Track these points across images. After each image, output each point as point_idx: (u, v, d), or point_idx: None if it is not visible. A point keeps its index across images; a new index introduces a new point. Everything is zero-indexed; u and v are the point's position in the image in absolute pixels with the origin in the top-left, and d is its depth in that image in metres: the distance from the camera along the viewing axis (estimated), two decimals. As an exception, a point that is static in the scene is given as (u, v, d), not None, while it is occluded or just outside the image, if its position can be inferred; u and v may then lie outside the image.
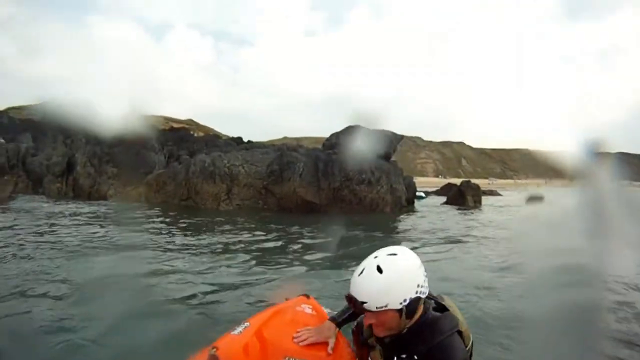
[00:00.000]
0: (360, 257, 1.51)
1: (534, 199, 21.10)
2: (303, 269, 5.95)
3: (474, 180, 23.36)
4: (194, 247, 7.36)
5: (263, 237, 9.00)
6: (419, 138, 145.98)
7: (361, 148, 15.20)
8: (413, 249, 1.56)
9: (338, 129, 18.04)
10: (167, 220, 11.62)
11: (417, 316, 1.47)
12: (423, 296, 1.44)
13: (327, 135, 18.99)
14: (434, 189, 34.70)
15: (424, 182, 50.07)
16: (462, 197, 19.15)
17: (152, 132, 21.11)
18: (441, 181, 64.83)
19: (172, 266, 5.78)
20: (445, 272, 5.82)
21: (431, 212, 16.73)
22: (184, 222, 11.27)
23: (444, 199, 22.77)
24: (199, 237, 8.71)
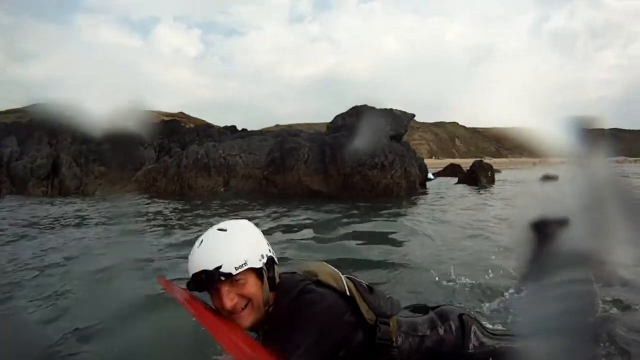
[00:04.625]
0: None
1: (549, 177, 20.47)
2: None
3: (468, 160, 22.60)
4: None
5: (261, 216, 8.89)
6: (413, 120, 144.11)
7: (372, 129, 14.23)
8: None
9: (331, 114, 16.95)
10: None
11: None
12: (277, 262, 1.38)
13: (320, 120, 17.98)
14: (436, 170, 33.95)
15: (423, 164, 49.07)
16: (475, 177, 18.45)
17: (141, 127, 20.14)
18: (437, 162, 64.18)
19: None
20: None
21: (447, 193, 15.99)
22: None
23: (453, 180, 22.05)
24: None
